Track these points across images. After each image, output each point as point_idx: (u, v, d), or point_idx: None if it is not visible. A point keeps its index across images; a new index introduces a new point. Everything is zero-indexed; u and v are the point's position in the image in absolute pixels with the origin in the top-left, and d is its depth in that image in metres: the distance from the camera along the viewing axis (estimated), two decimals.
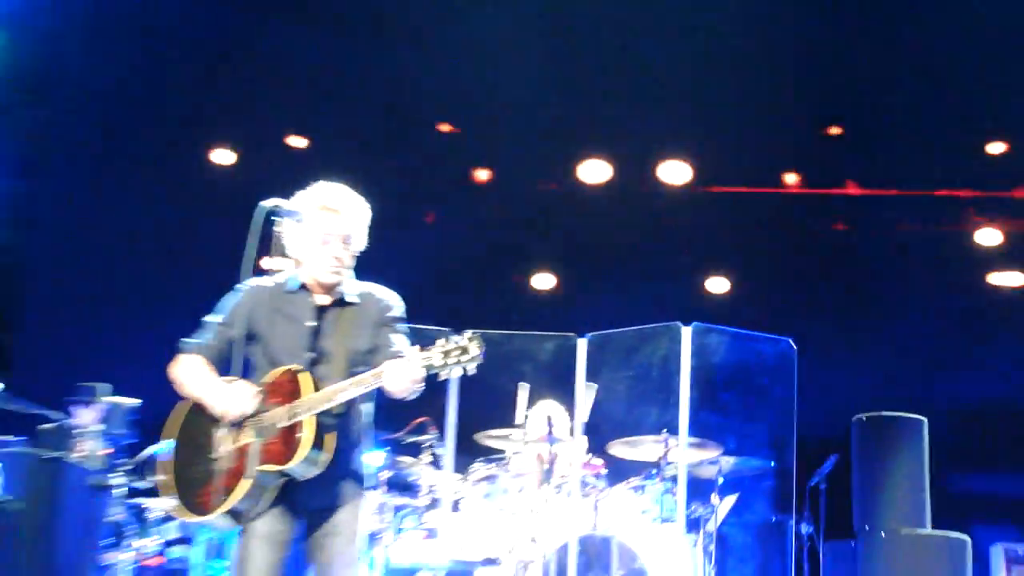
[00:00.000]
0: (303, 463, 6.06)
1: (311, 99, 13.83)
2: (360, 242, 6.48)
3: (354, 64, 13.64)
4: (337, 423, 6.20)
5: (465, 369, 5.95)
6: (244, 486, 6.09)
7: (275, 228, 6.26)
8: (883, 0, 13.18)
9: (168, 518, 10.08)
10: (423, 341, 6.01)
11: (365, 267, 6.66)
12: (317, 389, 6.12)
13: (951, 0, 12.67)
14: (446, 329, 6.20)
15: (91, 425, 10.46)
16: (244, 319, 6.37)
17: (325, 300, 6.41)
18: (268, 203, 6.21)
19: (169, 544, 10.23)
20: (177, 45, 13.37)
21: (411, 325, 6.55)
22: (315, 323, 6.36)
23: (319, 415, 6.09)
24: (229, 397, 6.22)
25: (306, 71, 13.63)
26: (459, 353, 5.93)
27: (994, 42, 12.62)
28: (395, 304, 6.52)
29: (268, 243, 6.25)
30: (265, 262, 6.26)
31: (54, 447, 9.99)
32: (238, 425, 6.19)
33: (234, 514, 6.17)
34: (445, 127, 14.40)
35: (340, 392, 6.10)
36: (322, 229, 6.33)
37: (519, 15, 13.07)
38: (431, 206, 14.34)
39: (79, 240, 13.63)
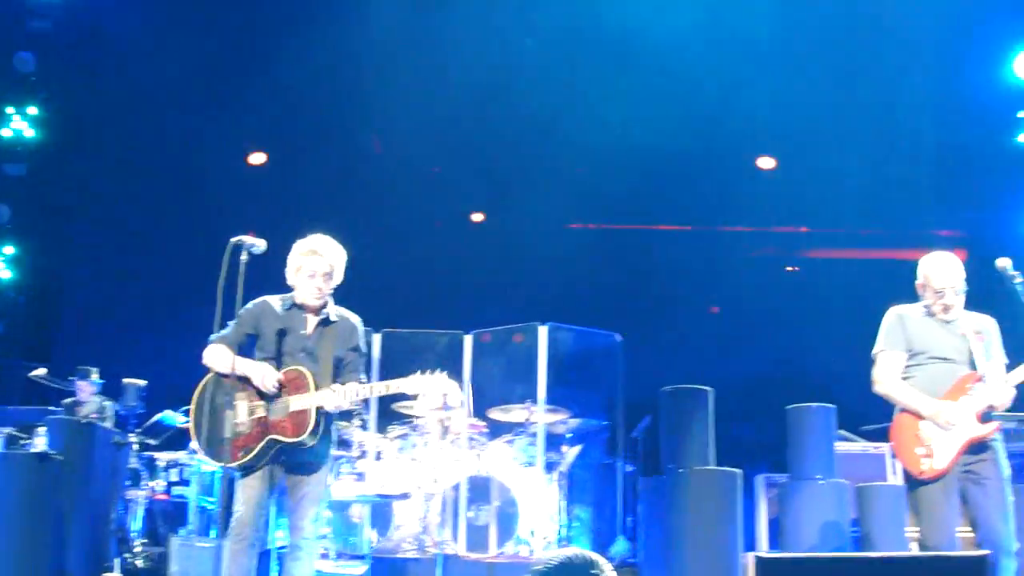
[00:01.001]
0: (306, 438, 6.43)
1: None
2: (339, 277, 6.78)
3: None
4: (325, 414, 6.56)
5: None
6: (259, 447, 6.44)
7: (241, 258, 6.36)
8: None
9: (170, 466, 10.23)
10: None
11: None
12: (317, 387, 6.48)
13: None
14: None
15: (88, 394, 10.78)
16: (253, 324, 6.67)
17: (315, 317, 6.72)
18: (235, 239, 6.40)
19: (172, 485, 10.27)
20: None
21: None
22: (309, 334, 6.68)
23: (319, 408, 6.47)
24: (264, 369, 6.53)
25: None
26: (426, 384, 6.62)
27: None
28: (359, 328, 6.87)
29: (236, 270, 6.35)
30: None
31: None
32: (254, 401, 6.48)
33: (245, 465, 6.50)
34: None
35: (341, 400, 6.48)
36: (308, 268, 6.66)
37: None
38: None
39: (106, 261, 13.42)
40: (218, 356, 6.63)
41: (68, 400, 10.86)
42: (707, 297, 13.40)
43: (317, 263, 6.70)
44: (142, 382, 10.30)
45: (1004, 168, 12.98)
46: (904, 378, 6.88)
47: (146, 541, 9.93)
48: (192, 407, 6.71)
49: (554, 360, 10.86)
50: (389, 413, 10.50)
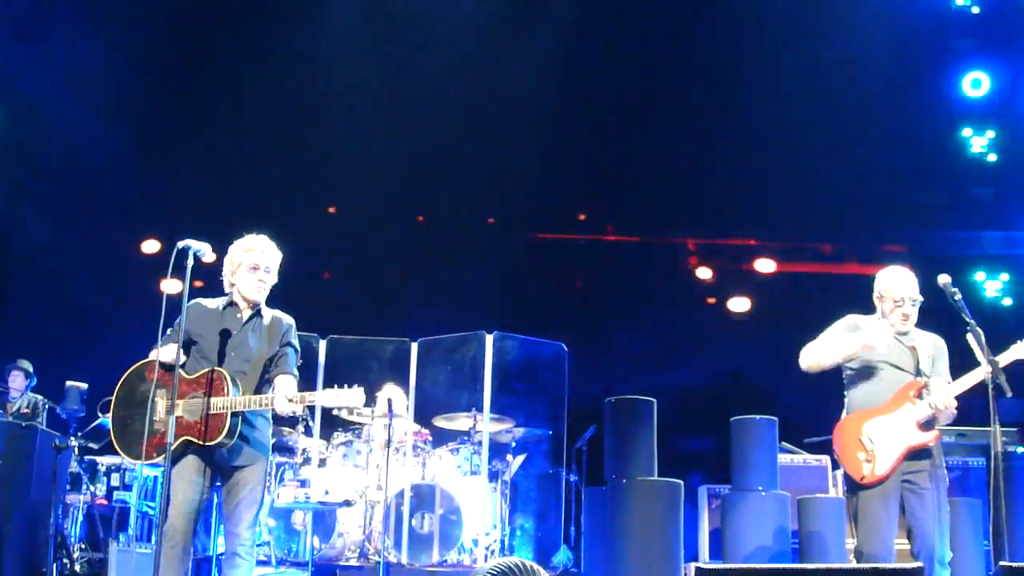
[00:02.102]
0: (222, 440, 6.35)
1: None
2: (274, 277, 6.78)
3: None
4: (243, 414, 6.46)
5: (348, 409, 6.48)
6: (174, 447, 6.26)
7: (187, 263, 6.35)
8: None
9: (112, 470, 10.12)
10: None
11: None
12: (235, 384, 6.40)
13: None
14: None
15: (19, 387, 10.69)
16: (189, 329, 6.58)
17: (249, 316, 6.70)
18: (182, 243, 6.37)
19: (113, 490, 10.15)
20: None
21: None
22: (241, 333, 6.64)
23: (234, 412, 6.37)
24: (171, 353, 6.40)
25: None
26: (340, 399, 6.49)
27: None
28: (293, 326, 6.84)
29: (182, 272, 6.35)
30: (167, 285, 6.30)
31: (26, 419, 10.20)
32: (173, 399, 6.31)
33: (165, 466, 6.28)
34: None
35: (250, 404, 6.39)
36: (250, 261, 6.67)
37: None
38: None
39: (47, 264, 13.16)
40: (166, 352, 6.59)
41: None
42: (651, 308, 13.33)
43: (258, 257, 6.73)
44: (84, 385, 10.17)
45: (950, 185, 13.15)
46: (850, 385, 7.05)
47: (85, 546, 9.83)
48: (112, 401, 6.68)
49: (499, 369, 10.85)
50: (334, 420, 10.44)
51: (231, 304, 6.78)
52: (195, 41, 13.16)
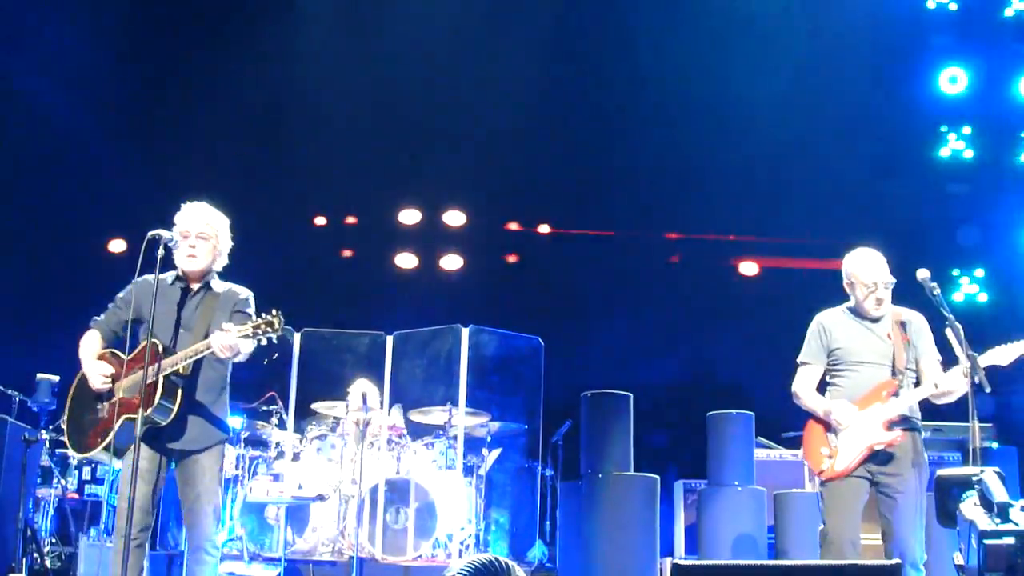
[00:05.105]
0: (156, 411, 6.09)
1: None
2: (222, 244, 6.56)
3: None
4: (185, 382, 6.23)
5: (271, 339, 6.08)
6: (114, 428, 6.14)
7: (158, 253, 6.19)
8: None
9: (83, 464, 10.02)
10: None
11: (235, 274, 6.73)
12: (168, 351, 6.20)
13: None
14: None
15: None
16: (132, 307, 6.42)
17: (196, 289, 6.48)
18: (153, 233, 6.19)
19: (84, 483, 10.10)
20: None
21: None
22: (189, 305, 6.43)
23: (169, 375, 6.13)
24: (91, 372, 6.36)
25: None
26: (266, 326, 6.05)
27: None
28: (247, 296, 6.60)
29: (151, 261, 6.21)
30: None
31: None
32: (113, 384, 6.27)
33: (114, 451, 6.19)
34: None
35: (182, 358, 6.16)
36: (181, 226, 6.44)
37: None
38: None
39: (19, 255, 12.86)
40: (83, 345, 6.51)
41: None
42: (628, 302, 13.30)
43: (187, 223, 6.49)
44: (55, 377, 9.94)
45: (927, 181, 13.16)
46: (828, 383, 6.98)
47: (55, 540, 9.72)
48: (68, 398, 6.59)
49: (475, 363, 10.83)
50: (308, 413, 10.43)
51: (178, 279, 6.54)
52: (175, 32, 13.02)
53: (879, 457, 6.70)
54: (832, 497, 6.73)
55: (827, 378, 7.03)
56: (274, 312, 6.09)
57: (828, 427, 6.80)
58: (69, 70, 12.43)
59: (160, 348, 6.19)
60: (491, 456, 10.47)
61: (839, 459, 6.71)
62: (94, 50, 12.47)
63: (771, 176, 12.79)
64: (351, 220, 14.25)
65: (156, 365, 6.12)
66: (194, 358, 6.21)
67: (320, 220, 14.23)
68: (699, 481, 9.87)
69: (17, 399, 9.71)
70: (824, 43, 12.50)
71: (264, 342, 6.16)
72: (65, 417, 6.56)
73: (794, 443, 10.05)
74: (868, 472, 6.71)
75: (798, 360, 7.08)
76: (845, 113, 12.72)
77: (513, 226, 14.39)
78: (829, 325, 6.99)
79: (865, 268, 6.86)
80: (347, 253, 14.23)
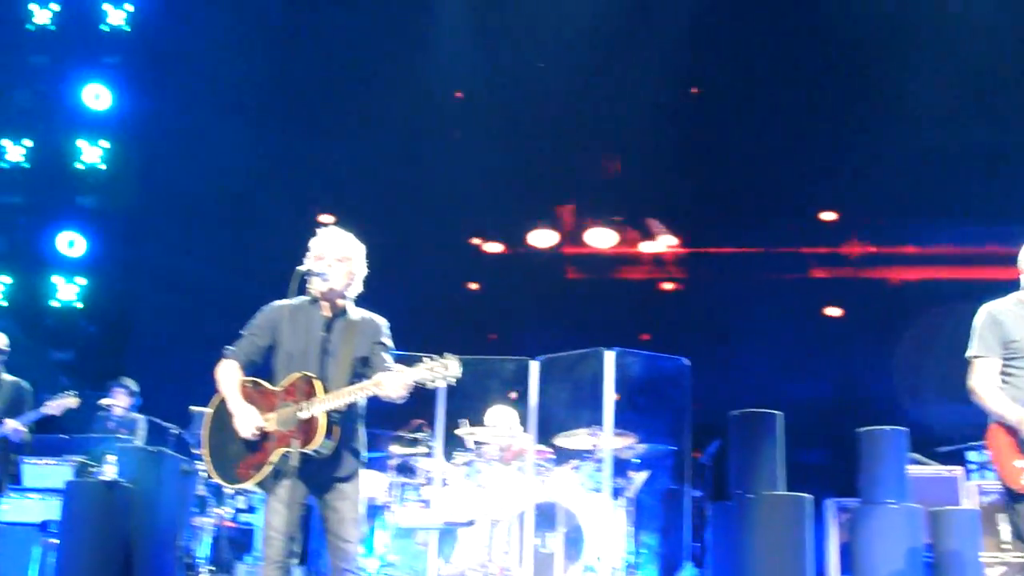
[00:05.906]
0: (319, 448, 6.11)
1: None
2: (358, 270, 6.50)
3: None
4: (340, 417, 6.20)
5: (447, 381, 6.04)
6: (271, 463, 6.16)
7: (308, 286, 6.31)
8: None
9: (238, 493, 10.05)
10: (410, 362, 6.31)
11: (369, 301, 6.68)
12: (326, 390, 6.18)
13: None
14: (470, 357, 6.38)
15: (124, 404, 10.96)
16: (270, 334, 6.43)
17: (332, 315, 6.40)
18: (301, 267, 6.26)
19: (239, 512, 10.23)
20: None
21: (401, 352, 6.54)
22: (326, 332, 6.35)
23: (329, 412, 6.14)
24: (245, 417, 6.26)
25: None
26: (442, 369, 6.04)
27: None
28: (384, 326, 6.54)
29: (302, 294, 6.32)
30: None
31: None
32: (264, 415, 6.23)
33: (262, 484, 6.24)
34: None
35: (347, 396, 6.14)
36: (317, 250, 6.40)
37: None
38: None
39: (176, 291, 13.34)
40: (223, 377, 6.48)
41: (102, 412, 11.00)
42: (774, 320, 13.10)
43: (319, 247, 6.45)
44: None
45: None
46: (1004, 379, 6.37)
47: (213, 568, 9.90)
48: (205, 426, 6.57)
49: (621, 385, 10.70)
50: (455, 440, 10.43)
51: (311, 303, 6.49)
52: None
53: None
54: None
55: (1003, 377, 6.38)
56: (449, 357, 6.09)
57: (1015, 435, 6.16)
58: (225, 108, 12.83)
59: (318, 384, 6.21)
60: (639, 478, 10.30)
61: None
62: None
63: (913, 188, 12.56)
64: (493, 247, 14.28)
65: (314, 399, 6.15)
66: (359, 397, 6.23)
67: (461, 243, 14.29)
68: (851, 500, 9.67)
69: (174, 432, 9.94)
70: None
71: (439, 385, 6.16)
72: (206, 447, 6.56)
73: (949, 458, 9.80)
74: None
75: (970, 355, 6.45)
76: None
77: (656, 247, 14.24)
78: (1001, 316, 6.40)
79: None
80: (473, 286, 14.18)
